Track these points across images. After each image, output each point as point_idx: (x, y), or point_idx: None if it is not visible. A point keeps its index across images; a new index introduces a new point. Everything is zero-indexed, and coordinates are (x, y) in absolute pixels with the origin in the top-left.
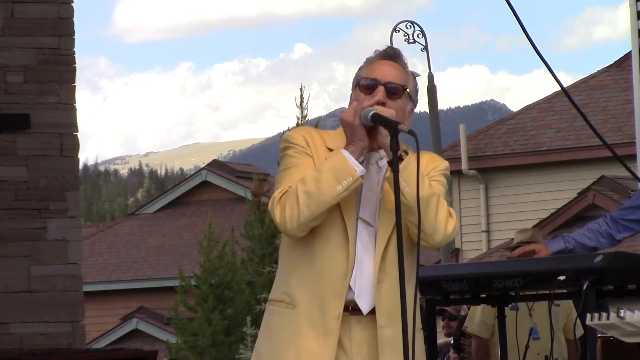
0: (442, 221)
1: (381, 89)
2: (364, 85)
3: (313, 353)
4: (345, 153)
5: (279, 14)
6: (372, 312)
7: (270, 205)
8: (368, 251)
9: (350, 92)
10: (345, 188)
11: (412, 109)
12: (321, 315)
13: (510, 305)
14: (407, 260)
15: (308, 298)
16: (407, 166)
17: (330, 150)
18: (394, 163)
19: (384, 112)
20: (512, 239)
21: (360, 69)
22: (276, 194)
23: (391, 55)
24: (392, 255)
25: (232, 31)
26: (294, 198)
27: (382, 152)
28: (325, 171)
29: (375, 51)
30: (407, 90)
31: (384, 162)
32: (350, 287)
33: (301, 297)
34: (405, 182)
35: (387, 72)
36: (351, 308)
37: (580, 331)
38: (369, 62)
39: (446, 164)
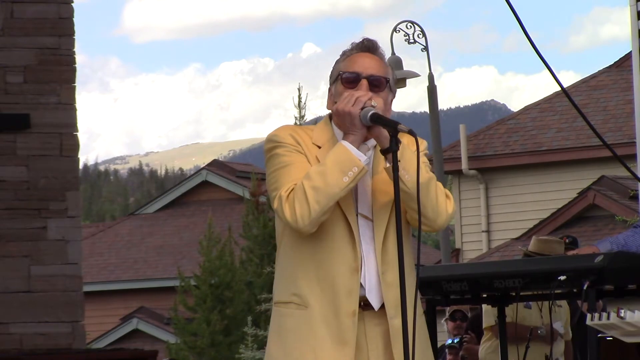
0: (442, 204)
1: (364, 82)
2: (346, 78)
3: (330, 357)
4: (346, 144)
5: (291, 14)
6: (384, 306)
7: (277, 205)
8: (370, 245)
9: (329, 86)
10: (352, 179)
11: (392, 100)
12: (335, 315)
13: (525, 304)
14: (407, 247)
15: (320, 298)
16: (403, 154)
17: (318, 146)
18: (394, 163)
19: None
20: (512, 239)
21: (337, 62)
22: (282, 193)
23: (369, 47)
24: (391, 245)
25: (241, 32)
26: (302, 195)
27: (369, 144)
28: (330, 164)
29: (352, 44)
30: (389, 81)
31: (370, 153)
32: (361, 284)
33: (312, 298)
34: (405, 170)
35: (368, 65)
36: (363, 304)
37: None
38: (347, 55)
39: (425, 143)
